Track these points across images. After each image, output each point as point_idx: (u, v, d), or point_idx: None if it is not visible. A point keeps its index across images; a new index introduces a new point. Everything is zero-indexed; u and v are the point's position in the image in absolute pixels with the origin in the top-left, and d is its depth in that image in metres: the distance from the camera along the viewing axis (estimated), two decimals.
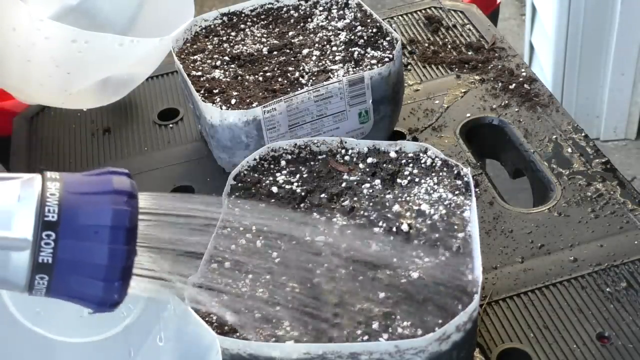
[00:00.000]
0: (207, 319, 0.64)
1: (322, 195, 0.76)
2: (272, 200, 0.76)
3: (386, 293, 0.65)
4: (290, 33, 0.99)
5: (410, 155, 0.79)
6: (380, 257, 0.68)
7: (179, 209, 0.56)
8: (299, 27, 1.00)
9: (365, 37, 0.95)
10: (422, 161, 0.78)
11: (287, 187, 0.77)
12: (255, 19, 1.03)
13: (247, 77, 0.92)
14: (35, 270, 0.49)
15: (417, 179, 0.76)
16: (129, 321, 0.58)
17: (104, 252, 0.49)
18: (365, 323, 0.63)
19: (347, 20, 0.98)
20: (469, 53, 1.10)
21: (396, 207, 0.73)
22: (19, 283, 0.49)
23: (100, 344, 0.57)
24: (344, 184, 0.76)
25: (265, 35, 0.99)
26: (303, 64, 0.93)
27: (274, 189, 0.77)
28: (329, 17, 1.00)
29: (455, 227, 0.70)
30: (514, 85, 1.03)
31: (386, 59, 0.91)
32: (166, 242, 0.54)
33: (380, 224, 0.72)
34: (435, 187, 0.75)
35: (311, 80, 0.90)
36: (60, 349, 0.56)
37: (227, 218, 0.73)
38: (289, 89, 0.89)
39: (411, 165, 0.78)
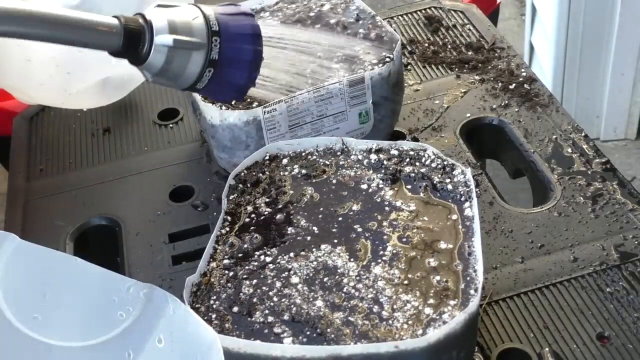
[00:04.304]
0: (206, 318, 0.64)
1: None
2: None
3: (385, 290, 0.65)
4: None
5: (410, 155, 0.79)
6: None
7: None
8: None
9: (365, 37, 0.95)
10: (422, 161, 0.78)
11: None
12: None
13: None
14: (207, 65, 0.68)
15: (417, 179, 0.76)
16: (127, 324, 0.57)
17: (249, 52, 0.70)
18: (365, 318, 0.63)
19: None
20: (469, 53, 1.10)
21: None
22: (192, 75, 0.68)
23: (98, 347, 0.57)
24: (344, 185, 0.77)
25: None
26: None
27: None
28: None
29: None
30: (514, 85, 1.03)
31: (386, 59, 0.91)
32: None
33: (378, 222, 0.72)
34: (436, 187, 0.75)
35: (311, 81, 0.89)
36: (57, 353, 0.56)
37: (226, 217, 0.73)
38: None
39: (411, 165, 0.78)
